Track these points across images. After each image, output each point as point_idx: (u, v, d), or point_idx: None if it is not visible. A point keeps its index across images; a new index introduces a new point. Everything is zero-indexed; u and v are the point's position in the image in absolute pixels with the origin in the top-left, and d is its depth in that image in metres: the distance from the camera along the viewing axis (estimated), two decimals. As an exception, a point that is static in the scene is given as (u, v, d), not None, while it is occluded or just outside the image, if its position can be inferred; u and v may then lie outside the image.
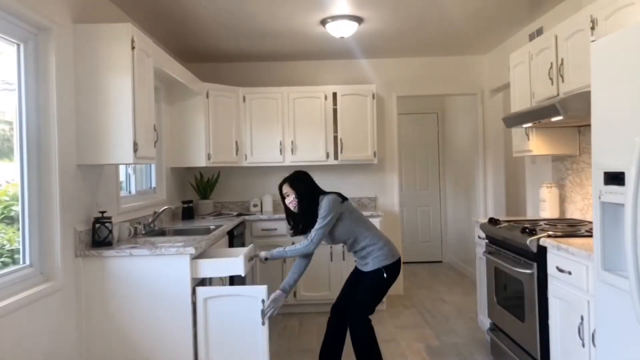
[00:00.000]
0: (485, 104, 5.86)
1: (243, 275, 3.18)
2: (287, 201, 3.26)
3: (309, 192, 3.24)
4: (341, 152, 5.35)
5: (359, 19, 4.24)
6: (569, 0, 3.86)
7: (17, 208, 2.71)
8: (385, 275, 3.18)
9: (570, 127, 3.68)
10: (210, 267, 3.10)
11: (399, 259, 3.27)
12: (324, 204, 3.15)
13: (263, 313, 3.07)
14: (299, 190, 3.23)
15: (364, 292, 3.22)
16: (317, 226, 3.14)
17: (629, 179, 1.83)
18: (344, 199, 3.28)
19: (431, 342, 4.20)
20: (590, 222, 3.37)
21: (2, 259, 2.60)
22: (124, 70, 3.08)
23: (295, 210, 3.27)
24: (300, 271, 3.28)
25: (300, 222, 3.28)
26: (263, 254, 3.25)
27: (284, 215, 5.04)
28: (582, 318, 2.47)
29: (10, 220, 2.69)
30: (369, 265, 3.21)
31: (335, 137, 5.39)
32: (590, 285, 2.40)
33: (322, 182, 5.71)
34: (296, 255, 3.24)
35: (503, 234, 3.34)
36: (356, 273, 3.35)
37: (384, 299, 5.14)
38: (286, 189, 3.26)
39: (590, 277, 2.40)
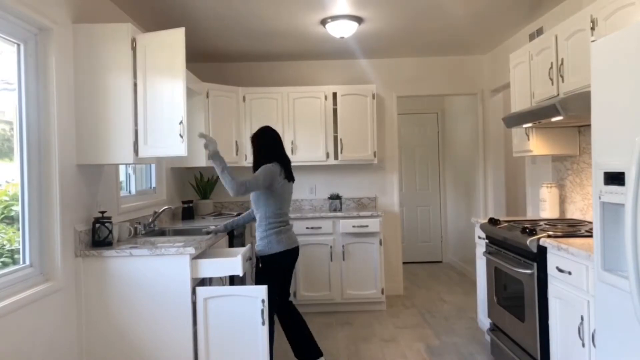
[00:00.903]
0: (485, 104, 5.86)
1: (241, 275, 3.18)
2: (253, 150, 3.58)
3: (263, 152, 3.48)
4: (341, 152, 5.35)
5: (359, 19, 4.24)
6: (569, 0, 3.86)
7: (17, 208, 2.71)
8: (260, 265, 3.43)
9: (570, 127, 3.68)
10: (209, 267, 3.10)
11: (280, 253, 3.37)
12: (263, 168, 3.36)
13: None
14: (257, 146, 3.54)
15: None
16: (247, 179, 3.27)
17: (629, 179, 1.83)
18: (290, 179, 3.49)
19: (431, 342, 4.20)
20: (591, 222, 3.37)
21: (2, 259, 2.60)
22: (124, 70, 3.08)
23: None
24: (244, 220, 3.75)
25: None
26: (212, 147, 3.32)
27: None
28: (582, 318, 2.47)
29: (10, 220, 2.69)
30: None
31: (335, 137, 5.40)
32: (590, 286, 2.40)
33: (322, 182, 5.75)
34: (226, 180, 3.23)
35: (503, 234, 3.34)
36: None
37: (384, 298, 5.15)
38: (252, 141, 3.60)
39: (590, 277, 2.40)
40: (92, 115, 3.09)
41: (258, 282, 3.43)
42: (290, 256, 3.44)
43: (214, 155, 3.26)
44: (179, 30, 3.19)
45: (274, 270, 3.40)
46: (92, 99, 3.08)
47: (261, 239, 3.40)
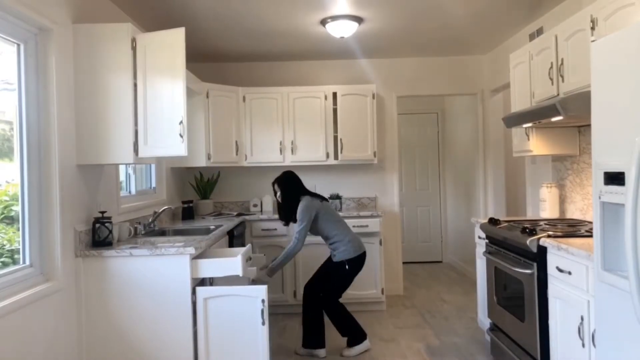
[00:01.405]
0: (485, 104, 5.86)
1: (241, 275, 3.18)
2: (277, 196, 4.09)
3: (292, 192, 4.03)
4: (341, 152, 5.35)
5: (359, 19, 4.24)
6: (569, 0, 3.86)
7: (17, 208, 2.71)
8: (347, 267, 3.91)
9: (570, 127, 3.68)
10: (209, 267, 3.10)
11: (363, 253, 3.99)
12: (300, 210, 3.90)
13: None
14: (284, 189, 4.05)
15: (332, 280, 3.96)
16: (296, 229, 3.90)
17: (629, 179, 1.83)
18: (322, 199, 4.05)
19: (431, 342, 4.20)
20: (590, 222, 3.37)
21: (2, 259, 2.60)
22: (124, 70, 3.08)
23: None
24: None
25: (285, 212, 4.09)
26: (265, 271, 3.97)
27: (284, 216, 5.09)
28: (582, 318, 2.47)
29: (10, 220, 2.69)
30: (336, 257, 3.94)
31: (335, 137, 5.39)
32: (590, 285, 2.40)
33: (322, 182, 5.75)
34: (292, 257, 3.96)
35: (503, 234, 3.34)
36: (329, 259, 4.05)
37: (384, 298, 5.16)
38: (276, 187, 4.10)
39: (590, 277, 2.40)
40: (92, 115, 3.09)
41: (344, 282, 3.97)
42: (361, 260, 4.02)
43: (273, 266, 3.95)
44: (179, 30, 3.19)
45: (356, 270, 3.98)
46: (92, 99, 3.08)
47: (344, 246, 3.92)
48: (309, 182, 5.70)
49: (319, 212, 3.92)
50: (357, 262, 3.94)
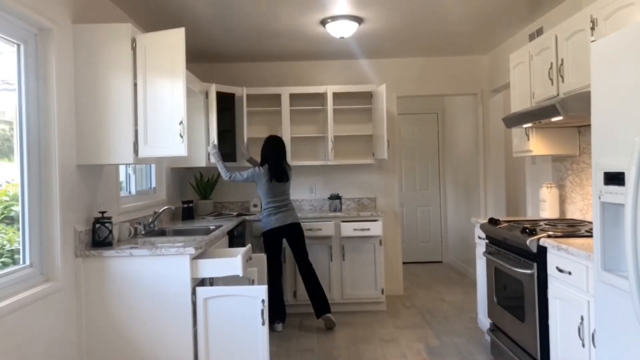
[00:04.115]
0: (485, 104, 5.86)
1: (241, 275, 3.18)
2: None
3: (261, 156, 4.64)
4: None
5: (359, 19, 4.24)
6: (569, 0, 3.86)
7: (17, 208, 2.71)
8: (262, 238, 4.66)
9: (570, 127, 3.68)
10: (208, 267, 3.10)
11: (271, 229, 4.51)
12: (251, 170, 4.53)
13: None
14: (261, 150, 4.68)
15: None
16: (240, 173, 4.50)
17: (629, 179, 1.83)
18: (273, 177, 4.50)
19: (431, 342, 4.20)
20: (590, 222, 3.37)
21: (2, 259, 2.60)
22: (124, 71, 3.08)
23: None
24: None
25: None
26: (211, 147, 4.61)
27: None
28: (582, 318, 2.47)
29: (10, 220, 2.69)
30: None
31: (336, 137, 5.39)
32: (590, 286, 2.40)
33: (322, 182, 5.74)
34: (222, 169, 4.49)
35: (503, 234, 3.34)
36: None
37: (384, 298, 5.16)
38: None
39: (590, 278, 2.40)
40: (92, 115, 3.09)
41: (266, 253, 4.51)
42: (278, 232, 4.53)
43: (215, 155, 4.53)
44: (179, 30, 3.19)
45: (266, 244, 4.56)
46: (92, 99, 3.09)
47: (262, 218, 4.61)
48: (310, 182, 5.71)
49: (259, 181, 4.53)
50: (268, 235, 4.53)
